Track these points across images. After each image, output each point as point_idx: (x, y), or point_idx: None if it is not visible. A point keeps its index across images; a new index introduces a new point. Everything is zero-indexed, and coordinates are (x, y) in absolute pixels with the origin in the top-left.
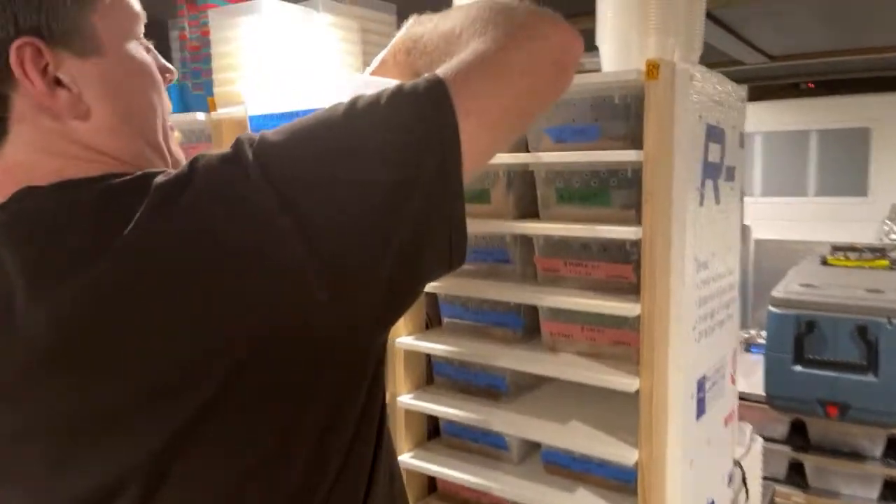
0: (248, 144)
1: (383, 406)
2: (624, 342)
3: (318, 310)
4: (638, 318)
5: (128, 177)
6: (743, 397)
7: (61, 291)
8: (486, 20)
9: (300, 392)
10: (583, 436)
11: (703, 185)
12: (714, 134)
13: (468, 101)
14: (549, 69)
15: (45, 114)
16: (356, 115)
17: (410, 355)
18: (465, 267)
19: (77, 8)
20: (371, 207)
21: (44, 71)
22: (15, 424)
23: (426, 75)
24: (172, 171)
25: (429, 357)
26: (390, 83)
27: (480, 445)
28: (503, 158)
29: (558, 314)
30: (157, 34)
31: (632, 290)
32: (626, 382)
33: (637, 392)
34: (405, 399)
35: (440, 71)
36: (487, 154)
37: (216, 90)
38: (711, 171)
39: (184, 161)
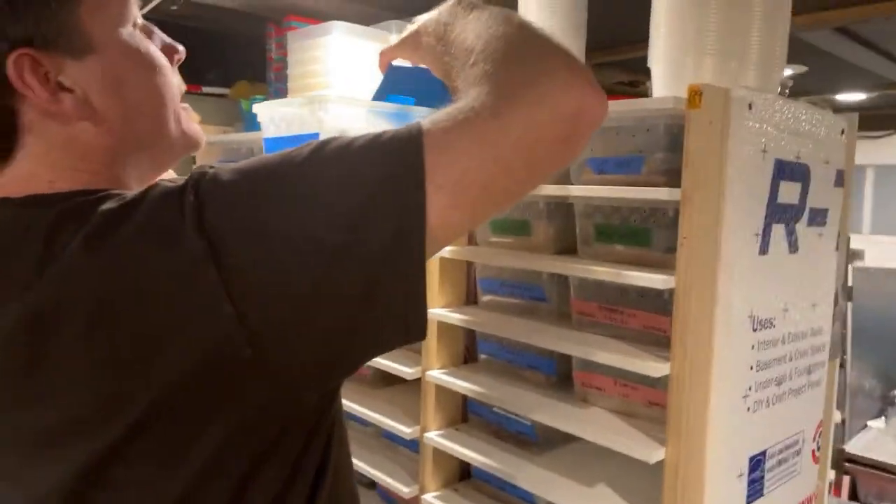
0: (198, 180)
1: (325, 465)
2: (658, 403)
3: (237, 363)
4: (668, 378)
5: (90, 197)
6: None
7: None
8: (502, 56)
9: (212, 444)
10: None
11: (766, 230)
12: (787, 171)
13: (444, 171)
14: (552, 144)
15: (54, 120)
16: (319, 160)
17: (443, 390)
18: (504, 301)
19: (63, 8)
20: (313, 271)
21: (45, 78)
22: None
23: (410, 127)
24: (126, 196)
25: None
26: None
27: (507, 496)
28: (543, 189)
29: (590, 364)
30: (257, 54)
31: (668, 344)
32: (647, 452)
33: (661, 465)
34: (432, 436)
35: (426, 124)
36: (460, 230)
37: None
38: (782, 213)
39: (202, 140)
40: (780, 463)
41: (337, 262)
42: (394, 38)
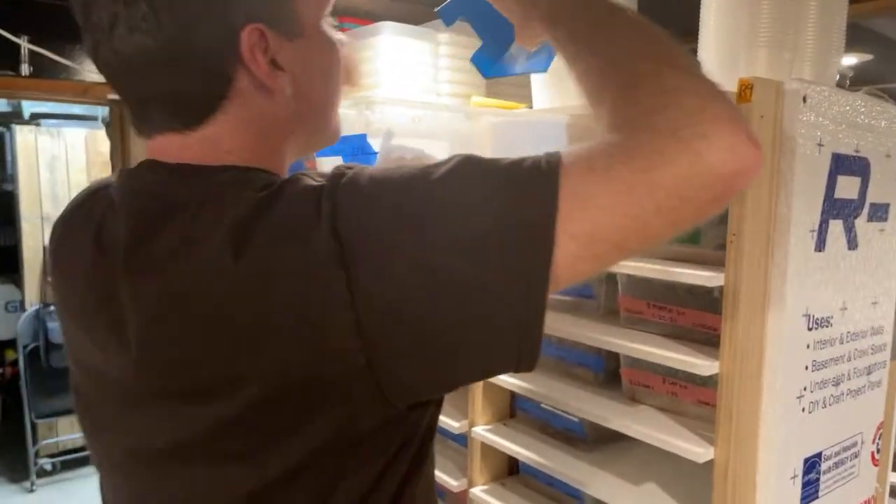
0: (336, 182)
1: (411, 475)
2: (707, 402)
3: (349, 367)
4: (717, 377)
5: (239, 176)
6: None
7: (148, 283)
8: (653, 86)
9: (308, 442)
10: None
11: (822, 226)
12: (846, 165)
13: (579, 222)
14: (700, 205)
15: (262, 93)
16: (454, 182)
17: (491, 386)
18: (550, 298)
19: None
20: (430, 293)
21: (264, 54)
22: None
23: (548, 158)
24: (273, 184)
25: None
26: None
27: (555, 492)
28: None
29: (639, 362)
30: None
31: (719, 343)
32: (697, 451)
33: (710, 464)
34: (480, 431)
35: (567, 158)
36: (582, 277)
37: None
38: (840, 209)
39: (340, 131)
40: (836, 465)
41: (456, 290)
42: (443, 37)
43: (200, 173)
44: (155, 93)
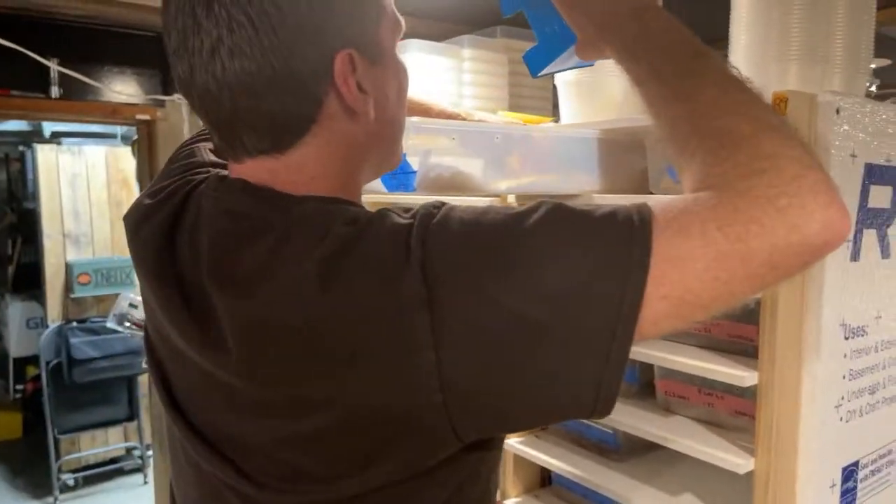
0: (426, 222)
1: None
2: (745, 413)
3: (425, 404)
4: (756, 388)
5: (324, 208)
6: None
7: (230, 301)
8: (748, 148)
9: (380, 472)
10: None
11: (857, 235)
12: (878, 174)
13: (670, 284)
14: (788, 270)
15: (348, 116)
16: (545, 231)
17: None
18: None
19: (376, 21)
20: (512, 339)
21: (353, 76)
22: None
23: (641, 215)
24: (359, 219)
25: None
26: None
27: (588, 503)
28: (617, 199)
29: (674, 373)
30: None
31: (756, 354)
32: (737, 462)
33: (750, 475)
34: (513, 443)
35: (659, 217)
36: (664, 333)
37: None
38: (874, 218)
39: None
40: (873, 473)
41: (540, 340)
42: (467, 52)
43: (286, 201)
44: (249, 116)
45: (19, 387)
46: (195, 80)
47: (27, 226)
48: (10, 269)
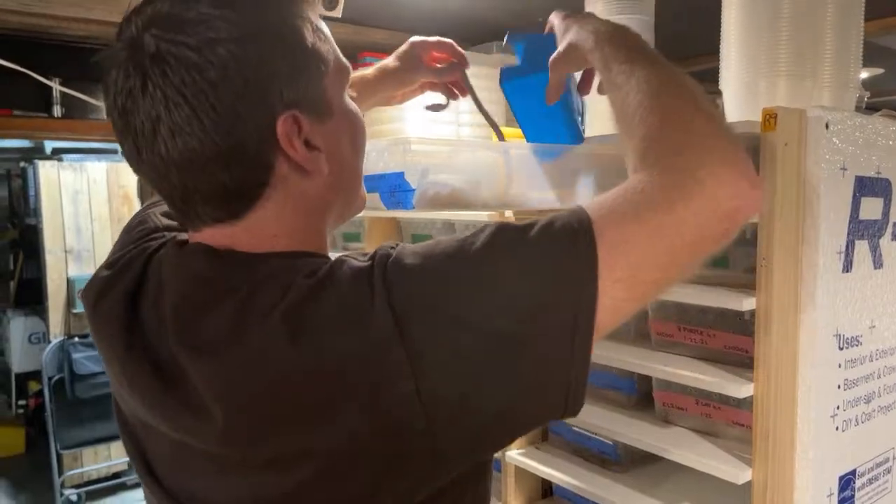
0: (384, 262)
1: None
2: (741, 423)
3: (411, 434)
4: (752, 399)
5: (287, 262)
6: None
7: (204, 367)
8: (667, 135)
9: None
10: None
11: (848, 247)
12: (868, 187)
13: (621, 266)
14: (716, 239)
15: (301, 175)
16: (496, 250)
17: None
18: None
19: (318, 76)
20: (487, 356)
21: (299, 136)
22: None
23: (580, 216)
24: (319, 270)
25: None
26: None
27: None
28: None
29: (672, 384)
30: None
31: (752, 365)
32: (735, 472)
33: (748, 485)
34: (514, 454)
35: (595, 213)
36: (624, 319)
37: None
38: (865, 230)
39: (366, 199)
40: (870, 481)
41: (510, 349)
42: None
43: (248, 261)
44: (200, 189)
45: (22, 402)
46: (142, 159)
47: (29, 241)
48: (13, 285)
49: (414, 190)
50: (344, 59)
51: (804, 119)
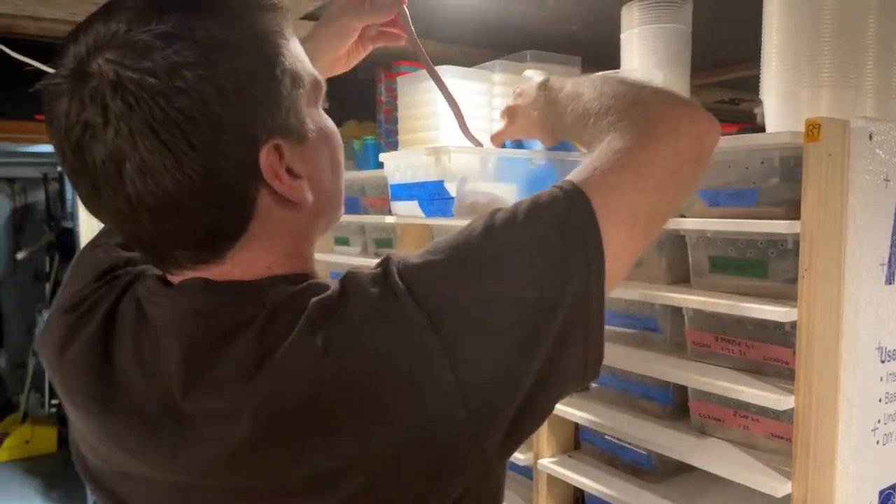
0: (394, 266)
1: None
2: (781, 436)
3: (453, 426)
4: (792, 411)
5: (294, 287)
6: None
7: (222, 399)
8: (621, 111)
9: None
10: None
11: (891, 259)
12: None
13: (614, 211)
14: (691, 164)
15: (285, 207)
16: (496, 231)
17: (555, 418)
18: (614, 331)
19: (294, 97)
20: (516, 327)
21: (281, 166)
22: None
23: (561, 183)
24: (328, 286)
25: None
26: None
27: None
28: None
29: (709, 395)
30: (367, 93)
31: (792, 377)
32: (774, 485)
33: (787, 498)
34: (546, 462)
35: (576, 177)
36: (632, 260)
37: (401, 149)
38: None
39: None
40: None
41: (538, 314)
42: (497, 77)
43: (251, 289)
44: (176, 233)
45: (55, 401)
46: (103, 203)
47: (65, 244)
48: (48, 287)
49: (453, 198)
50: (316, 73)
51: (847, 130)
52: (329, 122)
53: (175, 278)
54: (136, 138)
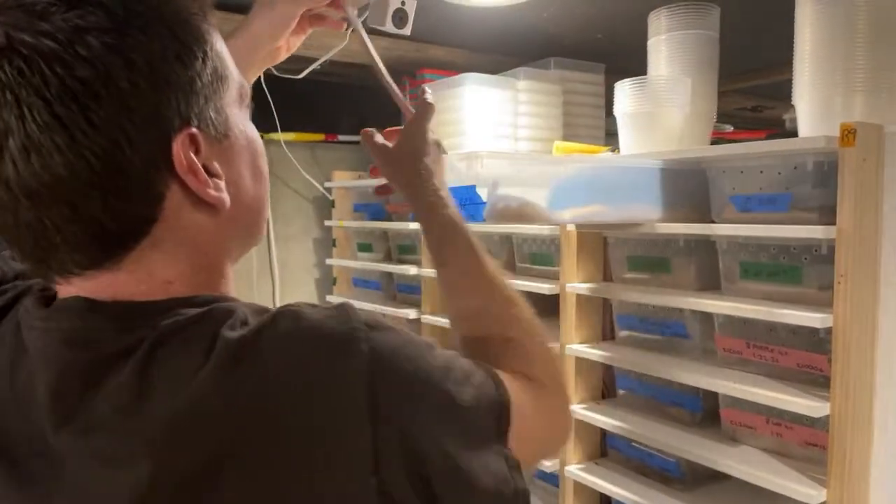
0: (357, 313)
1: None
2: (815, 444)
3: (359, 493)
4: (827, 418)
5: (193, 312)
6: None
7: (84, 442)
8: (533, 339)
9: None
10: None
11: None
12: None
13: (523, 431)
14: (566, 430)
15: (200, 209)
16: (452, 379)
17: (582, 425)
18: (642, 337)
19: (218, 91)
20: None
21: (197, 160)
22: None
23: (498, 389)
24: (235, 313)
25: (603, 428)
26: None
27: None
28: (680, 228)
29: (740, 402)
30: (389, 102)
31: (826, 384)
32: (808, 493)
33: None
34: (573, 469)
35: (511, 390)
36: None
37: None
38: None
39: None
40: None
41: (453, 461)
42: (522, 84)
43: (144, 312)
44: (64, 228)
45: None
46: None
47: None
48: None
49: (485, 203)
50: (245, 83)
51: (882, 135)
52: (253, 129)
53: (62, 288)
54: (25, 109)
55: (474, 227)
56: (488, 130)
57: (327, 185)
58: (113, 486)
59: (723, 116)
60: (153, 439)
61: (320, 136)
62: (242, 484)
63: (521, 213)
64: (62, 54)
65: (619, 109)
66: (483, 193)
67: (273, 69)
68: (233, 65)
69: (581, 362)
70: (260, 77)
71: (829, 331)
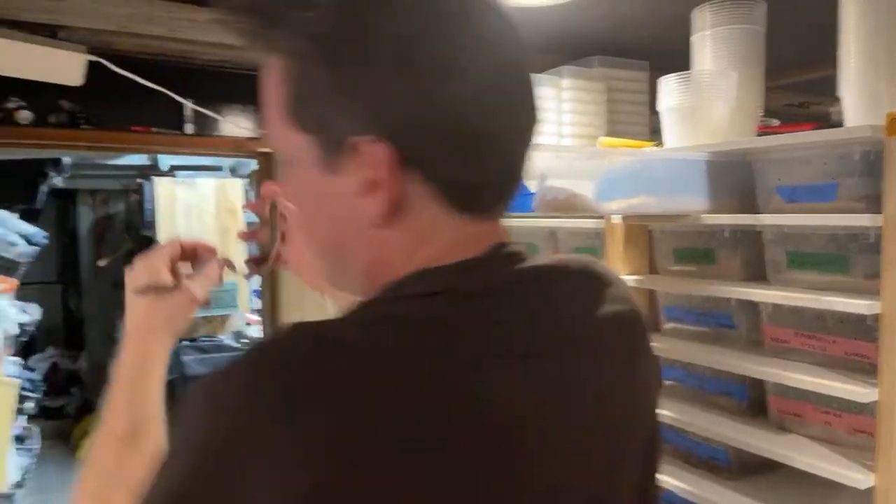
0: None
1: None
2: (864, 430)
3: None
4: (876, 404)
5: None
6: None
7: None
8: None
9: None
10: None
11: None
12: None
13: None
14: None
15: None
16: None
17: None
18: (688, 329)
19: None
20: None
21: None
22: None
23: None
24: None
25: None
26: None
27: None
28: (726, 219)
29: (788, 391)
30: None
31: (874, 372)
32: (857, 478)
33: (870, 491)
34: None
35: None
36: None
37: None
38: None
39: None
40: None
41: None
42: (566, 82)
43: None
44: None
45: None
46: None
47: (143, 252)
48: None
49: (533, 194)
50: None
51: None
52: None
53: (485, 227)
54: None
55: (521, 220)
56: None
57: None
58: None
59: (771, 113)
60: None
61: None
62: None
63: (569, 203)
64: None
65: (663, 104)
66: (532, 184)
67: None
68: None
69: None
70: None
71: (876, 318)
